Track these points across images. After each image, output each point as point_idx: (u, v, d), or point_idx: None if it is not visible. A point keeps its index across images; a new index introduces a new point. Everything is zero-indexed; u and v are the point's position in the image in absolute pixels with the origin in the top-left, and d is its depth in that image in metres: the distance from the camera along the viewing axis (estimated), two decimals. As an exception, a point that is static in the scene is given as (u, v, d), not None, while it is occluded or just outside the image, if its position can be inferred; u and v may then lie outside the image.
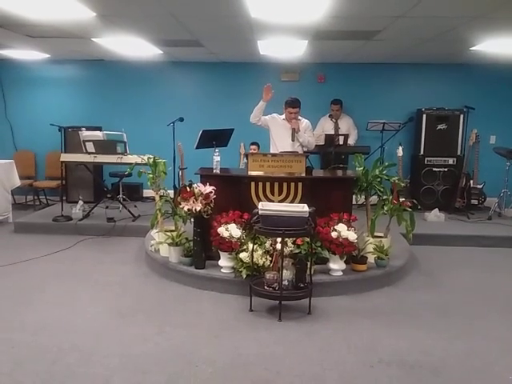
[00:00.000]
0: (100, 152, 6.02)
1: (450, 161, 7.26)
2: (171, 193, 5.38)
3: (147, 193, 7.44)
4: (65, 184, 7.05)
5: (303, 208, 3.78)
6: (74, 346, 3.22)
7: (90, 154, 6.03)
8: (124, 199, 6.93)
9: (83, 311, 3.83)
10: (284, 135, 5.29)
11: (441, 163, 7.27)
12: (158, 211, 4.79)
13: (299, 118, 5.34)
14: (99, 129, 6.96)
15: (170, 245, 4.58)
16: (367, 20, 4.45)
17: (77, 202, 6.47)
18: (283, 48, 6.10)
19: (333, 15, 4.18)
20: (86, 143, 6.04)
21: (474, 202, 6.98)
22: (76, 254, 5.32)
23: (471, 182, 6.98)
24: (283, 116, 5.38)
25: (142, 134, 7.35)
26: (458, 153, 7.28)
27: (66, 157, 6.25)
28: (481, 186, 6.99)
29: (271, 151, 5.40)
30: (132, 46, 6.15)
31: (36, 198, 7.52)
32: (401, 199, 4.73)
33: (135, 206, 6.81)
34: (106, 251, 5.45)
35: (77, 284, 4.42)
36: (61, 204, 6.39)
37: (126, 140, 6.12)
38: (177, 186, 6.20)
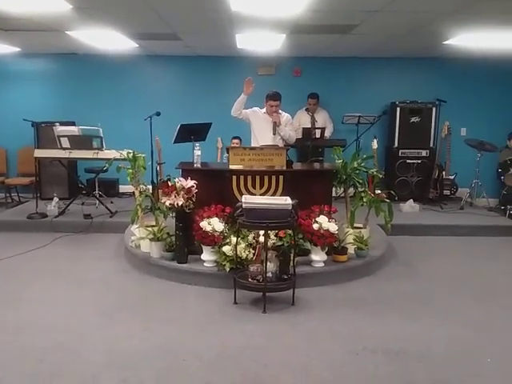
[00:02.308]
0: (75, 147, 5.91)
1: (423, 153, 7.43)
2: (150, 188, 5.33)
3: (123, 188, 7.37)
4: (38, 180, 6.89)
5: (286, 201, 3.81)
6: (58, 345, 3.18)
7: (64, 149, 5.91)
8: (100, 195, 6.83)
9: (65, 309, 3.77)
10: (265, 129, 5.31)
11: (414, 155, 7.43)
12: (138, 206, 4.75)
13: (280, 111, 5.36)
14: (73, 124, 6.83)
15: (151, 240, 4.55)
16: (345, 14, 4.50)
17: (51, 199, 6.34)
18: (261, 41, 6.10)
19: (312, 9, 4.21)
20: (61, 138, 5.92)
21: (447, 192, 7.20)
22: (53, 252, 5.22)
23: (443, 173, 7.18)
24: (264, 110, 5.39)
25: (118, 128, 7.21)
26: (431, 145, 7.45)
27: (40, 153, 6.11)
28: (453, 177, 7.20)
29: (252, 145, 5.41)
30: (107, 40, 6.05)
31: (8, 195, 7.32)
32: (377, 191, 4.82)
33: (112, 202, 6.74)
34: (85, 248, 5.37)
35: (56, 282, 4.34)
36: (35, 201, 6.25)
37: (102, 135, 6.03)
38: (155, 181, 6.15)
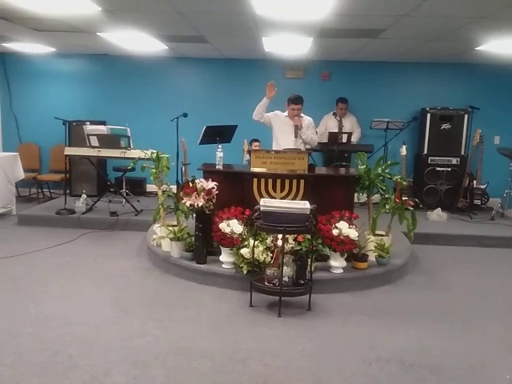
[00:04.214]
0: (104, 146, 6.05)
1: (454, 160, 7.24)
2: (174, 188, 5.40)
3: (150, 187, 7.49)
4: (68, 177, 7.08)
5: (304, 205, 3.78)
6: (75, 339, 3.25)
7: (93, 147, 6.06)
8: (127, 193, 6.97)
9: (85, 304, 3.86)
10: (287, 132, 5.30)
11: (444, 163, 7.25)
12: (160, 206, 4.82)
13: (301, 115, 5.34)
14: (103, 123, 7.00)
15: (171, 239, 4.60)
16: (372, 18, 4.44)
17: (80, 196, 6.51)
18: (288, 45, 6.09)
19: (338, 13, 4.18)
20: (90, 137, 6.07)
21: (477, 202, 6.97)
22: (78, 248, 5.36)
23: (474, 182, 6.98)
24: (286, 113, 5.39)
25: (146, 128, 7.37)
26: (462, 153, 7.27)
27: (70, 150, 6.28)
28: (484, 187, 6.98)
29: (274, 148, 5.40)
30: (137, 41, 6.17)
31: (40, 191, 7.56)
32: (403, 198, 4.74)
33: (138, 201, 6.86)
34: (109, 245, 5.49)
35: (79, 277, 4.45)
36: (64, 197, 6.42)
37: (129, 135, 6.15)
38: (180, 181, 6.22)
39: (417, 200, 4.96)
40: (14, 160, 6.75)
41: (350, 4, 3.87)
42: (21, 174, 6.85)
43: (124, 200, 6.67)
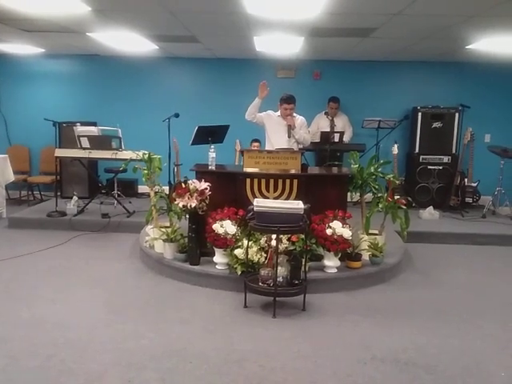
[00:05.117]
0: (95, 147, 6.00)
1: (445, 159, 7.28)
2: (166, 189, 5.37)
3: (142, 189, 7.45)
4: (59, 179, 7.01)
5: (298, 205, 3.77)
6: (67, 342, 3.22)
7: (84, 149, 6.01)
8: (119, 195, 6.92)
9: (77, 307, 3.82)
10: (279, 132, 5.30)
11: (436, 161, 7.29)
12: (152, 207, 4.79)
13: (294, 114, 5.34)
14: (94, 124, 6.95)
15: (164, 241, 4.57)
16: (364, 17, 4.45)
17: (71, 198, 6.44)
18: (279, 44, 6.09)
19: (329, 12, 4.18)
20: (81, 138, 6.02)
21: (469, 200, 7.02)
22: (70, 250, 5.30)
23: (466, 180, 7.03)
24: (278, 113, 5.39)
25: (137, 129, 7.32)
26: (453, 151, 7.30)
27: (61, 152, 6.22)
28: (475, 185, 7.03)
29: (267, 148, 5.40)
30: (128, 41, 6.13)
31: (30, 193, 7.48)
32: (396, 197, 4.74)
33: (130, 202, 6.81)
34: (101, 247, 5.44)
35: (71, 280, 4.40)
36: (55, 199, 6.36)
37: (120, 135, 6.11)
38: (172, 182, 6.19)
39: (409, 198, 4.96)
40: (4, 162, 6.67)
41: (342, 3, 3.87)
42: (11, 177, 6.78)
43: (116, 201, 6.61)
